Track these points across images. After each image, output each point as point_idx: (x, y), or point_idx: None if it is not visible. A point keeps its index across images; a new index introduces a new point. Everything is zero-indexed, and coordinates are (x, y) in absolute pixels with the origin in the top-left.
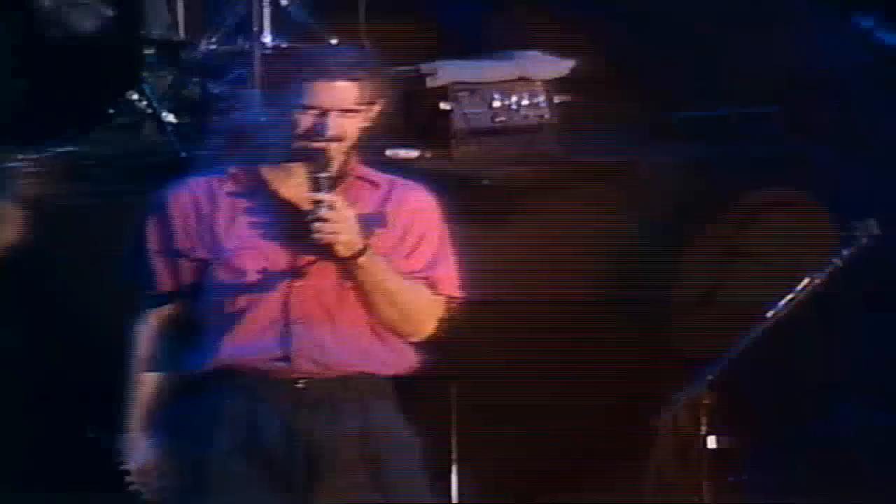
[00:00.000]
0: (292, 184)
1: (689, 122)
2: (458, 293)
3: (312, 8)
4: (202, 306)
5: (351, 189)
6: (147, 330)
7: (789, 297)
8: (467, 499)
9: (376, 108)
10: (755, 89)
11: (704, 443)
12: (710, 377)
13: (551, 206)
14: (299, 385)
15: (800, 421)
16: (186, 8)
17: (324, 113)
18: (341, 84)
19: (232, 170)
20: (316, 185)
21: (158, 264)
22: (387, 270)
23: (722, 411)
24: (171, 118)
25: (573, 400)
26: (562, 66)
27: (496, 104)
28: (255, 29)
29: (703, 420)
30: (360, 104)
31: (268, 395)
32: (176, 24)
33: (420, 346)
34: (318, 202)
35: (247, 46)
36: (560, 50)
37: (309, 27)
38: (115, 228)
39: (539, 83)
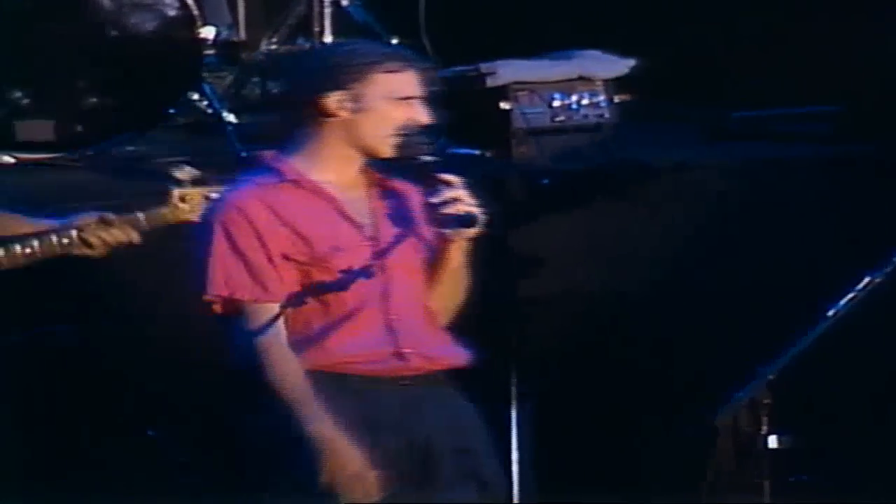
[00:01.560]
0: (343, 181)
1: (748, 121)
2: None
3: (373, 8)
4: (302, 309)
5: (382, 188)
6: (270, 330)
7: (850, 296)
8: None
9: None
10: (816, 89)
11: (765, 443)
12: (770, 376)
13: (610, 205)
14: (405, 383)
15: (860, 420)
16: (247, 8)
17: (412, 101)
18: (414, 72)
19: (289, 176)
20: (426, 170)
21: (264, 268)
22: None
23: (783, 411)
24: (231, 118)
25: (623, 396)
26: (621, 66)
27: (556, 104)
28: (316, 29)
29: (764, 420)
30: (429, 93)
31: (380, 396)
32: (236, 24)
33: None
34: (442, 183)
35: (307, 47)
36: (620, 49)
37: (369, 27)
38: (176, 228)
39: (599, 83)
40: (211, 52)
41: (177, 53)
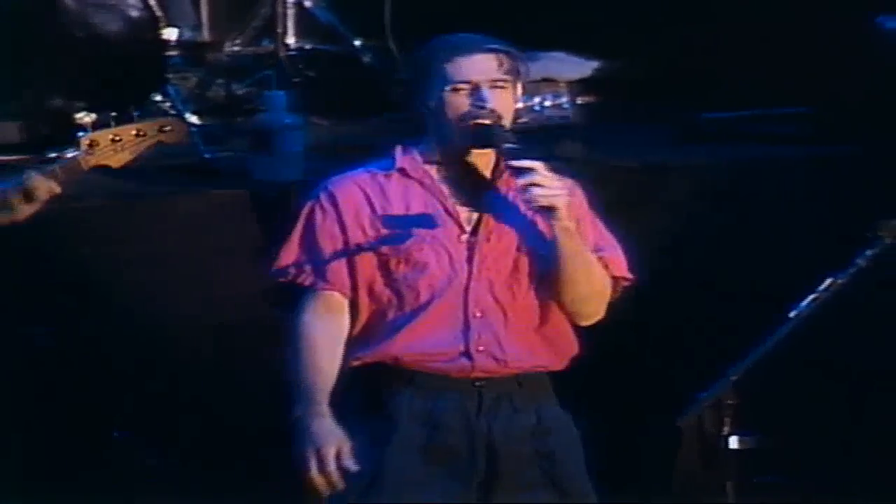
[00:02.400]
0: (460, 171)
1: (717, 122)
2: (629, 275)
3: (338, 9)
4: (377, 299)
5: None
6: (318, 318)
7: (812, 297)
8: None
9: (519, 84)
10: (785, 90)
11: (727, 443)
12: (733, 377)
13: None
14: (478, 384)
15: (823, 421)
16: (210, 9)
17: (476, 87)
18: (482, 56)
19: (399, 164)
20: (510, 156)
21: (335, 257)
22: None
23: (747, 412)
24: (195, 119)
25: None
26: (586, 67)
27: (520, 105)
28: (280, 30)
29: (727, 420)
30: (504, 77)
31: (450, 396)
32: (200, 25)
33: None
34: (525, 170)
35: (271, 48)
36: (585, 50)
37: (334, 28)
38: (138, 230)
39: (563, 84)
40: (175, 53)
41: (140, 55)
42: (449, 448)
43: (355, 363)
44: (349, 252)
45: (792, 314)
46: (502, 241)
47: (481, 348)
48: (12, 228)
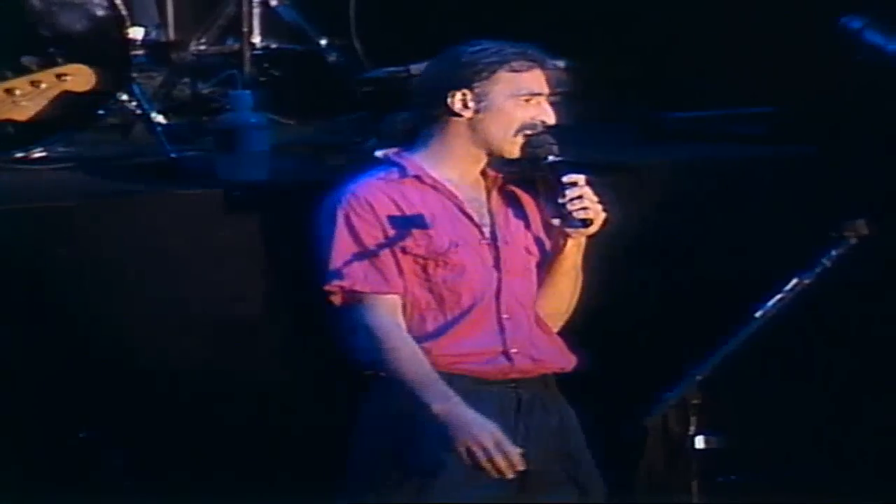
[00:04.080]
0: (466, 180)
1: (682, 122)
2: None
3: (303, 8)
4: (416, 303)
5: (502, 191)
6: (390, 321)
7: (778, 297)
8: None
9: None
10: (750, 90)
11: (693, 443)
12: (699, 377)
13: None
14: (513, 385)
15: (788, 421)
16: (176, 8)
17: (537, 100)
18: (541, 72)
19: (412, 171)
20: (552, 169)
21: (386, 259)
22: None
23: (711, 411)
24: (160, 119)
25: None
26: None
27: None
28: (245, 29)
29: (693, 420)
30: (559, 91)
31: (489, 397)
32: (165, 24)
33: None
34: (568, 184)
35: (236, 47)
36: (553, 49)
37: (299, 28)
38: (105, 230)
39: None
40: (140, 52)
41: (106, 53)
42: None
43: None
44: (395, 254)
45: (758, 314)
46: (516, 245)
47: (515, 349)
48: None
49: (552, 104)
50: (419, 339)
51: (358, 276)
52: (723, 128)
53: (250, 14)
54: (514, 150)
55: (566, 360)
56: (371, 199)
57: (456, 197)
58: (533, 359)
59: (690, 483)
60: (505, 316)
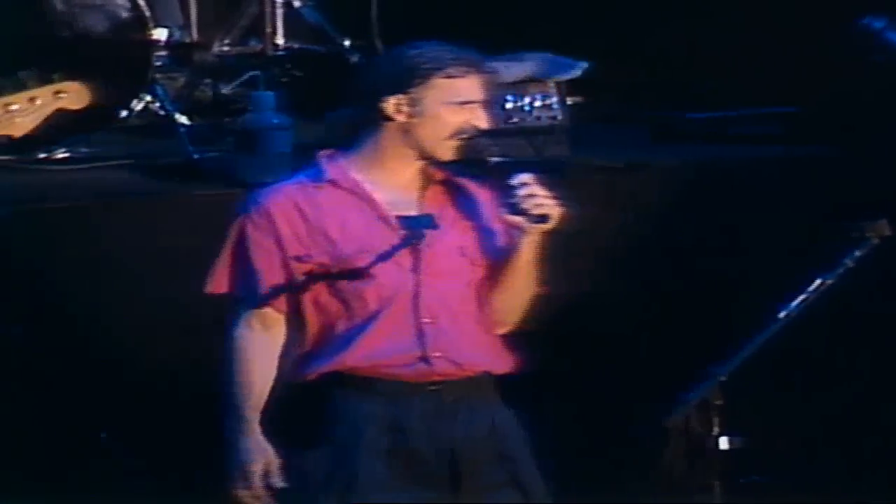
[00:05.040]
0: (396, 183)
1: (701, 122)
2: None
3: (325, 9)
4: (325, 311)
5: (443, 187)
6: (251, 333)
7: (801, 297)
8: None
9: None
10: (768, 90)
11: (716, 444)
12: (721, 378)
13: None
14: (435, 388)
15: (811, 422)
16: (199, 9)
17: (472, 105)
18: (477, 77)
19: (329, 175)
20: (500, 170)
21: (270, 272)
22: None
23: (734, 412)
24: (183, 119)
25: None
26: (575, 68)
27: (509, 105)
28: (268, 30)
29: (715, 421)
30: (491, 94)
31: (410, 401)
32: (189, 25)
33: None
34: (519, 184)
35: (259, 48)
36: (573, 51)
37: (322, 28)
38: (127, 230)
39: (551, 84)
40: (163, 53)
41: (129, 55)
42: (414, 452)
43: (311, 376)
44: (287, 266)
45: (781, 314)
46: (445, 247)
47: (437, 353)
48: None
49: (486, 108)
50: (333, 349)
51: (235, 286)
52: (739, 128)
53: (273, 15)
54: (446, 153)
55: (503, 362)
56: (272, 209)
57: (374, 201)
58: (456, 362)
59: (713, 484)
60: (426, 320)
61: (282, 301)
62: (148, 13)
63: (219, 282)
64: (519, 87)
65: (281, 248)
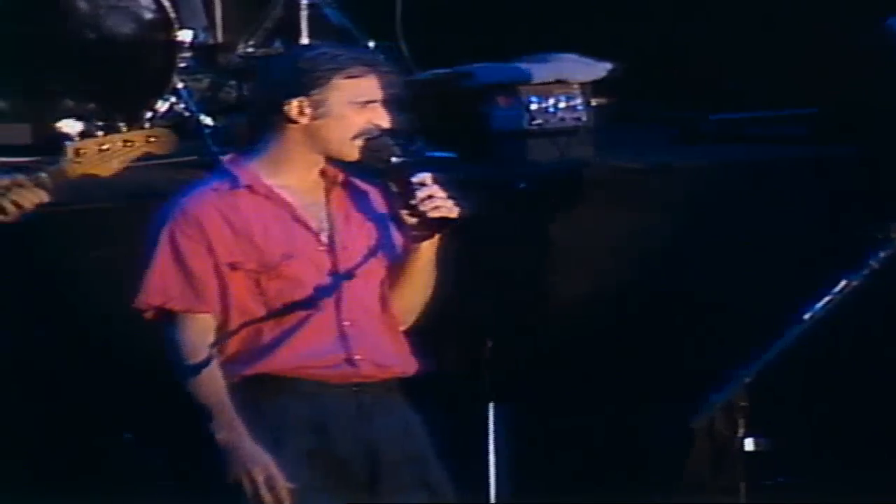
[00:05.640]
0: (303, 185)
1: (725, 124)
2: None
3: (349, 10)
4: (251, 316)
5: (344, 189)
6: (200, 341)
7: (826, 298)
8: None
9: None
10: (792, 91)
11: (742, 445)
12: (747, 379)
13: (587, 208)
14: (355, 389)
15: (835, 423)
16: (224, 11)
17: (374, 105)
18: (377, 77)
19: (244, 181)
20: (397, 172)
21: (206, 278)
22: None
23: (759, 414)
24: (208, 121)
25: (602, 398)
26: (599, 69)
27: (533, 107)
28: (293, 32)
29: (741, 422)
30: (394, 93)
31: (332, 401)
32: (213, 27)
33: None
34: (418, 184)
35: (284, 49)
36: (597, 52)
37: (346, 30)
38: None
39: (576, 86)
40: (188, 54)
41: (153, 56)
42: (334, 452)
43: (236, 380)
44: (219, 272)
45: (806, 316)
46: (357, 248)
47: (360, 356)
48: (26, 229)
49: (387, 107)
50: (259, 353)
51: (172, 295)
52: (762, 129)
53: (298, 16)
54: (353, 153)
55: (409, 364)
56: (200, 216)
57: (290, 205)
58: (377, 364)
59: (738, 485)
60: (346, 323)
61: (219, 308)
62: (173, 15)
63: (152, 293)
64: (543, 89)
65: (212, 254)
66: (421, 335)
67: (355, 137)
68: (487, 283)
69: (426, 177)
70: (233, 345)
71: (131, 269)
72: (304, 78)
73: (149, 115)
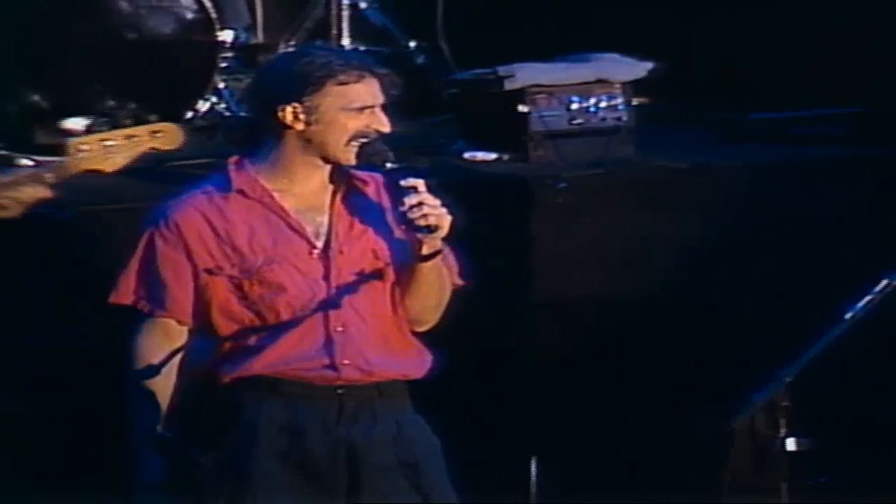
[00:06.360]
0: (305, 189)
1: (765, 123)
2: (460, 281)
3: (391, 10)
4: (237, 320)
5: (352, 187)
6: (154, 345)
7: (868, 298)
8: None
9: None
10: (834, 90)
11: (783, 445)
12: (788, 379)
13: (628, 208)
14: (340, 392)
15: (877, 423)
16: (265, 11)
17: (369, 109)
18: (371, 81)
19: (237, 185)
20: (394, 175)
21: (177, 285)
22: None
23: (800, 413)
24: None
25: (643, 399)
26: (640, 69)
27: (574, 106)
28: (334, 32)
29: (782, 422)
30: (389, 98)
31: (311, 403)
32: (255, 26)
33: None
34: (409, 188)
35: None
36: (638, 52)
37: (387, 30)
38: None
39: (617, 85)
40: (229, 54)
41: (195, 56)
42: (309, 455)
43: (225, 379)
44: (197, 279)
45: (848, 315)
46: (356, 252)
47: (346, 361)
48: (33, 228)
49: (385, 111)
50: (244, 355)
51: (140, 296)
52: (804, 129)
53: (339, 16)
54: (349, 158)
55: (417, 367)
56: (181, 222)
57: (284, 210)
58: (363, 369)
59: (779, 485)
60: (339, 329)
61: (186, 313)
62: (214, 15)
63: (123, 292)
64: (584, 89)
65: (191, 260)
66: (446, 336)
67: (350, 142)
68: (528, 283)
69: (416, 182)
70: (221, 349)
71: None
72: (298, 84)
73: (189, 115)
